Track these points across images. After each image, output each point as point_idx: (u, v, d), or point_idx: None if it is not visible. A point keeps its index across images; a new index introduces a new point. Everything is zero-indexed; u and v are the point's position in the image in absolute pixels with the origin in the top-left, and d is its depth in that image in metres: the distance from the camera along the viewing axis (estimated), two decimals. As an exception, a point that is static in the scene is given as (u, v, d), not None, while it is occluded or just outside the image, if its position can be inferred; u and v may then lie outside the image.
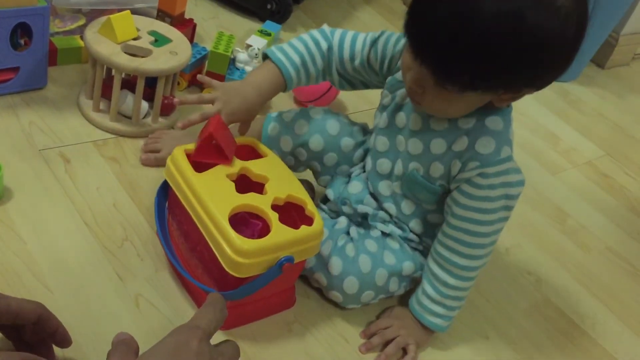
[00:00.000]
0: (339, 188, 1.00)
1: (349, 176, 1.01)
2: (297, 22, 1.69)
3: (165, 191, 0.94)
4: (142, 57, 1.09)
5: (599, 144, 1.63)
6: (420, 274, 0.95)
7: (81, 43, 1.25)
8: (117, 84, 1.09)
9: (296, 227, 0.82)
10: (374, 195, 0.98)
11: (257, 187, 0.86)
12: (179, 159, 0.86)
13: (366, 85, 1.01)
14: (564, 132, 1.63)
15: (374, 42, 0.95)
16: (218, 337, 0.73)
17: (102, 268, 0.90)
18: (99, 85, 1.12)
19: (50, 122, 1.11)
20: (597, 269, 1.22)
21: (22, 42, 1.11)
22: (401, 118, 0.92)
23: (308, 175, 1.06)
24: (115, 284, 0.89)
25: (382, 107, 0.96)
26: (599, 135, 1.67)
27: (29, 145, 1.06)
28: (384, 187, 0.96)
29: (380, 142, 0.95)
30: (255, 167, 0.88)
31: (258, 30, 1.46)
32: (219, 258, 0.79)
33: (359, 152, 1.01)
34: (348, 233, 0.96)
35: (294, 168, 1.02)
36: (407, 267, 0.94)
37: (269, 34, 1.45)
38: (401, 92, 0.92)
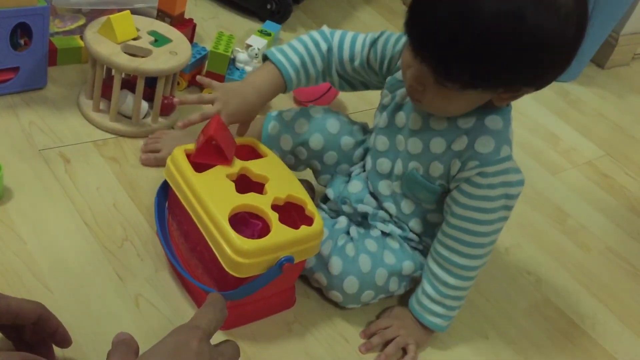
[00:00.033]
0: (339, 187, 1.00)
1: (349, 175, 1.01)
2: (297, 22, 1.69)
3: (165, 191, 0.94)
4: (142, 57, 1.09)
5: (599, 144, 1.63)
6: (420, 273, 0.95)
7: (81, 43, 1.25)
8: (117, 84, 1.09)
9: (296, 227, 0.82)
10: (373, 195, 0.98)
11: (257, 187, 0.86)
12: (179, 159, 0.86)
13: (366, 86, 1.01)
14: (564, 132, 1.63)
15: (374, 42, 0.95)
16: (218, 337, 0.73)
17: (102, 268, 0.90)
18: (99, 85, 1.12)
19: (50, 122, 1.11)
20: (597, 269, 1.22)
21: (22, 42, 1.11)
22: (401, 118, 0.92)
23: (308, 174, 1.07)
24: (115, 284, 0.89)
25: (382, 107, 0.96)
26: (599, 135, 1.67)
27: (29, 145, 1.06)
28: (383, 187, 0.97)
29: (380, 142, 0.95)
30: (255, 167, 0.88)
31: (258, 30, 1.46)
32: (219, 258, 0.79)
33: (359, 151, 1.01)
34: (348, 233, 0.96)
35: (294, 167, 1.02)
36: (407, 266, 0.95)
37: (269, 34, 1.45)
38: (401, 91, 0.92)
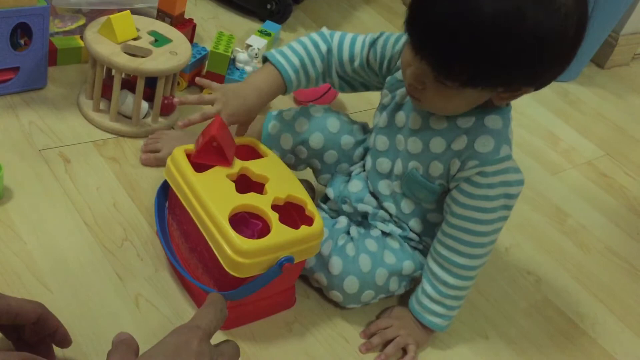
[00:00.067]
0: (339, 187, 1.00)
1: (349, 175, 1.01)
2: (297, 22, 1.69)
3: (165, 191, 0.94)
4: (142, 57, 1.09)
5: (598, 144, 1.63)
6: (420, 273, 0.95)
7: (81, 43, 1.25)
8: (117, 84, 1.09)
9: (296, 227, 0.82)
10: (373, 194, 0.98)
11: (257, 187, 0.86)
12: (179, 159, 0.86)
13: (366, 87, 1.01)
14: (563, 132, 1.63)
15: (373, 42, 0.95)
16: (218, 337, 0.73)
17: (102, 268, 0.90)
18: (99, 85, 1.12)
19: (50, 122, 1.11)
20: (597, 268, 1.22)
21: (22, 42, 1.11)
22: (401, 117, 0.93)
23: (308, 174, 1.07)
24: (115, 284, 0.89)
25: (382, 107, 0.96)
26: (599, 135, 1.67)
27: (29, 145, 1.06)
28: (383, 187, 0.97)
29: (380, 142, 0.96)
30: (255, 167, 0.88)
31: (258, 30, 1.46)
32: (219, 258, 0.79)
33: (359, 151, 1.01)
34: (348, 232, 0.96)
35: (294, 166, 1.03)
36: (407, 266, 0.95)
37: (268, 34, 1.45)
38: (401, 91, 0.92)
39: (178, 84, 1.25)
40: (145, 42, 1.12)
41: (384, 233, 0.96)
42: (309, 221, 0.84)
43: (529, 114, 1.65)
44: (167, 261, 0.93)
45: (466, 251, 0.88)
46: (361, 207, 0.97)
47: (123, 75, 1.10)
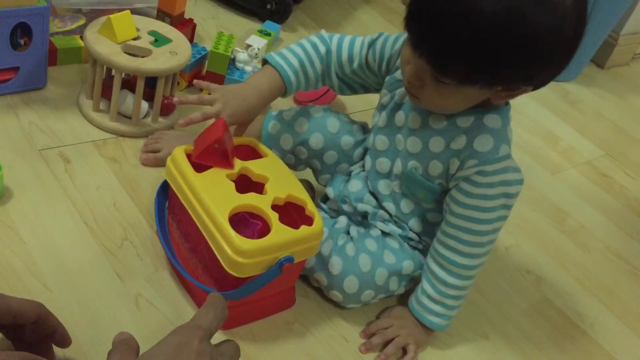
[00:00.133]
0: (339, 186, 1.00)
1: (348, 175, 1.01)
2: (296, 22, 1.69)
3: (165, 191, 0.94)
4: (142, 57, 1.09)
5: (598, 143, 1.63)
6: (420, 273, 0.95)
7: (81, 43, 1.25)
8: (117, 84, 1.09)
9: (296, 227, 0.82)
10: (373, 194, 0.98)
11: (257, 187, 0.86)
12: (179, 159, 0.86)
13: (365, 89, 1.01)
14: (563, 132, 1.63)
15: (372, 43, 0.95)
16: (218, 337, 0.73)
17: (102, 268, 0.90)
18: (99, 85, 1.12)
19: (50, 122, 1.11)
20: (597, 268, 1.22)
21: (22, 42, 1.11)
22: (400, 117, 0.93)
23: (308, 174, 1.07)
24: (115, 284, 0.89)
25: (381, 107, 0.96)
26: (599, 135, 1.67)
27: (29, 145, 1.06)
28: (383, 186, 0.97)
29: (380, 141, 0.96)
30: (255, 167, 0.88)
31: (258, 30, 1.46)
32: (219, 258, 0.79)
33: (359, 151, 1.01)
34: (348, 232, 0.96)
35: (294, 166, 1.03)
36: (407, 266, 0.95)
37: (268, 34, 1.46)
38: (400, 91, 0.93)
39: (178, 84, 1.25)
40: (145, 42, 1.12)
41: (383, 233, 0.96)
42: (309, 221, 0.84)
43: (529, 114, 1.65)
44: (167, 261, 0.93)
45: (466, 250, 0.88)
46: (361, 206, 0.97)
47: (123, 75, 1.10)
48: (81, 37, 1.25)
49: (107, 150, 1.10)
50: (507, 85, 0.80)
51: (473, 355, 0.97)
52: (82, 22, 1.29)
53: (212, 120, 0.89)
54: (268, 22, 1.55)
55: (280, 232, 0.80)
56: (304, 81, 0.96)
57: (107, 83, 1.12)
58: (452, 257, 0.89)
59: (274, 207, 0.83)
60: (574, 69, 1.87)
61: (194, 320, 0.66)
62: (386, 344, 0.92)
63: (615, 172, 1.54)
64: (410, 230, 0.96)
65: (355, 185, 0.99)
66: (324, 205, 1.03)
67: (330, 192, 1.00)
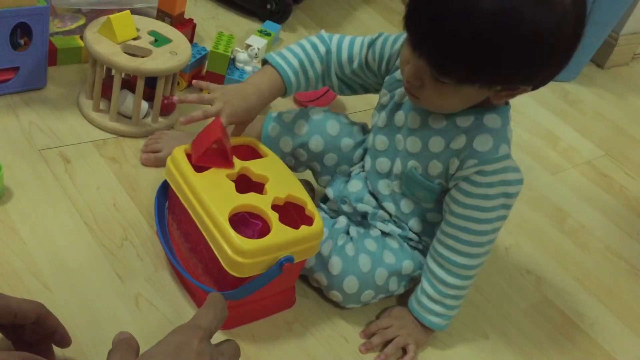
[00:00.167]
0: (338, 187, 1.00)
1: (348, 175, 1.01)
2: (296, 22, 1.69)
3: (165, 191, 0.94)
4: (142, 57, 1.09)
5: (598, 143, 1.63)
6: (419, 273, 0.95)
7: (81, 43, 1.25)
8: (117, 84, 1.09)
9: (296, 227, 0.82)
10: (373, 194, 0.98)
11: (257, 187, 0.86)
12: (179, 159, 0.86)
13: (365, 89, 1.01)
14: (563, 132, 1.63)
15: (372, 43, 0.95)
16: (218, 337, 0.73)
17: (102, 268, 0.90)
18: (99, 85, 1.12)
19: (50, 122, 1.11)
20: (597, 268, 1.22)
21: (22, 42, 1.11)
22: (400, 117, 0.93)
23: (308, 175, 1.07)
24: (115, 284, 0.89)
25: (381, 107, 0.96)
26: (599, 135, 1.67)
27: (29, 145, 1.06)
28: (383, 186, 0.97)
29: (379, 141, 0.96)
30: (255, 167, 0.88)
31: (258, 30, 1.46)
32: (219, 258, 0.79)
33: (359, 152, 1.01)
34: (348, 232, 0.96)
35: (294, 168, 1.03)
36: (407, 266, 0.95)
37: (268, 34, 1.46)
38: (400, 90, 0.93)
39: (178, 84, 1.25)
40: (145, 42, 1.12)
41: (383, 233, 0.96)
42: (309, 221, 0.84)
43: (529, 114, 1.65)
44: (167, 261, 0.93)
45: (465, 250, 0.88)
46: (360, 207, 0.97)
47: (123, 75, 1.10)
48: (81, 37, 1.25)
49: (107, 150, 1.10)
50: (507, 85, 0.80)
51: (473, 355, 0.97)
52: (82, 22, 1.29)
53: (209, 120, 0.89)
54: (268, 22, 1.55)
55: (280, 232, 0.80)
56: (304, 81, 0.96)
57: (107, 83, 1.12)
58: (451, 256, 0.89)
59: (274, 207, 0.83)
60: (574, 69, 1.87)
61: (194, 320, 0.66)
62: (386, 344, 0.92)
63: (615, 172, 1.54)
64: (410, 230, 0.96)
65: (355, 186, 0.99)
66: (323, 206, 1.03)
67: (330, 192, 1.00)
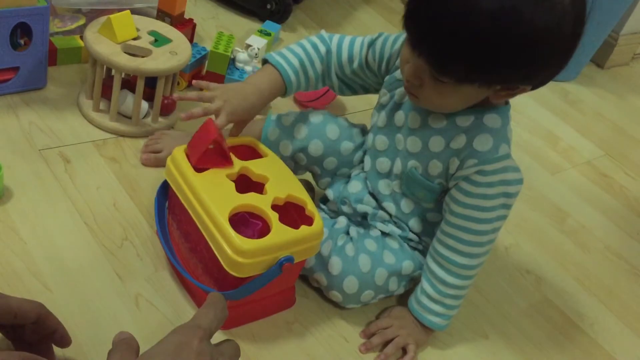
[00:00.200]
0: (338, 188, 1.00)
1: (348, 177, 1.01)
2: (296, 22, 1.69)
3: (165, 191, 0.94)
4: (142, 57, 1.09)
5: (598, 143, 1.63)
6: (419, 273, 0.95)
7: (81, 43, 1.25)
8: (117, 84, 1.09)
9: (296, 227, 0.82)
10: (373, 195, 0.98)
11: (257, 187, 0.86)
12: (179, 159, 0.86)
13: (366, 90, 1.01)
14: (563, 132, 1.63)
15: (372, 43, 0.95)
16: (218, 337, 0.73)
17: (102, 268, 0.90)
18: (99, 85, 1.12)
19: (50, 122, 1.11)
20: (597, 268, 1.22)
21: (22, 42, 1.11)
22: (400, 116, 0.93)
23: (308, 175, 1.06)
24: (115, 284, 0.89)
25: (380, 106, 0.96)
26: (599, 135, 1.67)
27: (29, 145, 1.06)
28: (383, 186, 0.97)
29: (380, 141, 0.96)
30: (255, 167, 0.88)
31: (258, 30, 1.46)
32: (218, 258, 0.79)
33: (359, 154, 1.01)
34: (348, 233, 0.96)
35: (294, 172, 1.01)
36: (407, 266, 0.95)
37: (268, 34, 1.46)
38: (400, 90, 0.93)
39: (178, 83, 1.25)
40: (145, 42, 1.12)
41: (383, 233, 0.96)
42: (309, 221, 0.84)
43: (529, 114, 1.65)
44: (167, 261, 0.93)
45: (465, 250, 0.88)
46: (360, 207, 0.97)
47: (123, 75, 1.10)
48: (81, 37, 1.25)
49: (107, 150, 1.10)
50: (506, 85, 0.80)
51: (473, 355, 0.97)
52: (82, 22, 1.29)
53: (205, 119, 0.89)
54: (268, 22, 1.55)
55: (280, 232, 0.80)
56: (304, 81, 0.96)
57: (107, 83, 1.12)
58: (451, 256, 0.89)
59: (274, 207, 0.83)
60: (574, 69, 1.87)
61: (194, 320, 0.66)
62: (386, 344, 0.92)
63: (615, 172, 1.54)
64: (410, 230, 0.96)
65: (355, 187, 0.99)
66: (323, 206, 1.03)
67: (329, 193, 1.00)
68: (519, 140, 1.51)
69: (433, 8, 0.74)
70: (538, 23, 0.72)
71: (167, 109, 1.16)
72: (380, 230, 0.96)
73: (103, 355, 0.66)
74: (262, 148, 0.93)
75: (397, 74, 0.93)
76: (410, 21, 0.77)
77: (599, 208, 1.39)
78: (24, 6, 1.06)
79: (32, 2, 1.06)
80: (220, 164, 0.86)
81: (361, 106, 1.42)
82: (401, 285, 0.96)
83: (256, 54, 1.37)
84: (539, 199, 1.36)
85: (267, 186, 0.86)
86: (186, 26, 1.31)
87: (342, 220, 0.98)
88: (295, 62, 0.95)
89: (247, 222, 0.86)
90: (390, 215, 0.97)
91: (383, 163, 0.96)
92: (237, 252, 0.77)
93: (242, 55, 1.34)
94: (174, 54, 1.12)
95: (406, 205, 0.95)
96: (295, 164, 1.01)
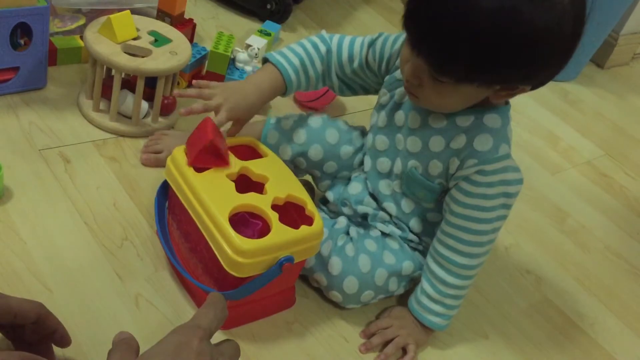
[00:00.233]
0: (339, 190, 1.00)
1: (348, 179, 1.01)
2: (296, 22, 1.69)
3: (165, 191, 0.94)
4: (142, 57, 1.09)
5: (598, 143, 1.63)
6: (419, 273, 0.95)
7: (81, 43, 1.25)
8: (117, 84, 1.09)
9: (296, 227, 0.82)
10: (373, 196, 0.98)
11: (257, 187, 0.86)
12: (179, 159, 0.86)
13: (366, 90, 1.01)
14: (563, 132, 1.63)
15: (372, 43, 0.95)
16: (218, 337, 0.73)
17: (102, 268, 0.90)
18: (99, 85, 1.12)
19: (50, 122, 1.11)
20: (597, 268, 1.22)
21: (22, 42, 1.11)
22: (400, 116, 0.93)
23: (308, 175, 1.06)
24: (115, 284, 0.89)
25: (380, 106, 0.96)
26: (599, 135, 1.67)
27: (29, 145, 1.06)
28: (383, 186, 0.97)
29: (380, 141, 0.96)
30: (255, 167, 0.88)
31: (258, 30, 1.46)
32: (218, 258, 0.79)
33: (359, 157, 1.01)
34: (348, 233, 0.96)
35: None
36: (407, 266, 0.95)
37: (268, 34, 1.46)
38: (400, 90, 0.93)
39: (178, 83, 1.25)
40: (145, 42, 1.12)
41: (383, 233, 0.96)
42: (309, 221, 0.84)
43: (529, 114, 1.65)
44: (167, 261, 0.93)
45: (465, 250, 0.88)
46: (361, 208, 0.97)
47: (123, 75, 1.10)
48: (81, 37, 1.25)
49: (107, 150, 1.10)
50: (506, 85, 0.80)
51: (473, 355, 0.97)
52: (82, 22, 1.29)
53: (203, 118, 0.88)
54: (268, 22, 1.55)
55: (280, 232, 0.80)
56: (304, 80, 0.96)
57: (107, 83, 1.12)
58: (451, 256, 0.89)
59: (274, 207, 0.83)
60: (574, 69, 1.87)
61: (194, 320, 0.66)
62: (386, 344, 0.92)
63: (615, 172, 1.54)
64: (411, 231, 0.96)
65: (355, 188, 0.98)
66: (323, 207, 1.03)
67: (330, 195, 1.00)
68: (519, 140, 1.51)
69: (433, 8, 0.74)
70: (538, 23, 0.72)
71: (167, 109, 1.16)
72: (381, 231, 0.96)
73: (103, 355, 0.66)
74: (262, 148, 0.93)
75: (397, 74, 0.93)
76: (410, 21, 0.78)
77: (599, 208, 1.39)
78: (24, 6, 1.06)
79: (32, 2, 1.06)
80: (215, 163, 0.86)
81: (361, 106, 1.42)
82: (401, 285, 0.96)
83: (256, 54, 1.37)
84: (539, 199, 1.36)
85: (267, 186, 0.86)
86: (186, 26, 1.31)
87: (342, 221, 0.98)
88: (296, 61, 0.95)
89: (247, 222, 0.86)
90: (390, 215, 0.97)
91: (383, 163, 0.96)
92: (237, 252, 0.77)
93: (242, 55, 1.34)
94: (174, 54, 1.12)
95: (406, 205, 0.95)
96: (295, 167, 1.01)
